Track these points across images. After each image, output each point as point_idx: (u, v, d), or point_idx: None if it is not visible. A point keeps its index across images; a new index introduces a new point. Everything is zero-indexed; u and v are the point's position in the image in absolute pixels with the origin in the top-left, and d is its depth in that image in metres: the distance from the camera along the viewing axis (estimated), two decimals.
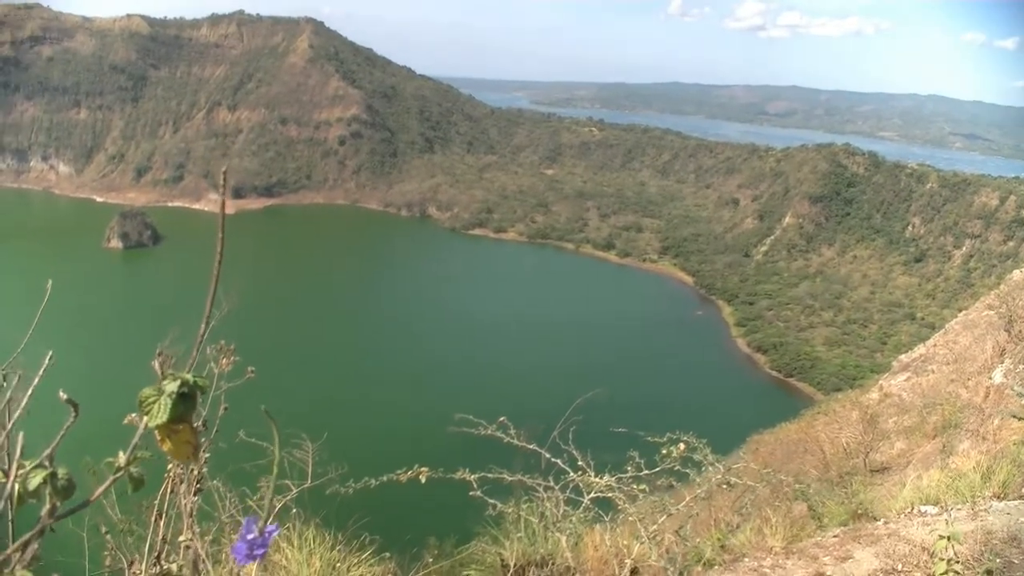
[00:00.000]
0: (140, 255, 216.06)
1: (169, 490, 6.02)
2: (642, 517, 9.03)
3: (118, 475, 3.47)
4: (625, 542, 9.00)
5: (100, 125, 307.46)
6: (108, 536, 6.55)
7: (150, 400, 3.22)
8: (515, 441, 9.94)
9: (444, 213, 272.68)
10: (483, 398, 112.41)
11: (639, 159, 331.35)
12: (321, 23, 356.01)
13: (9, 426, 3.62)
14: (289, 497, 8.30)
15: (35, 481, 3.12)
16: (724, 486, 10.08)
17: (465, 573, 9.07)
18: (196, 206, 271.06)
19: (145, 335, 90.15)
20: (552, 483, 9.49)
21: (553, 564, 8.69)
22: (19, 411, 3.73)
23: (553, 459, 9.81)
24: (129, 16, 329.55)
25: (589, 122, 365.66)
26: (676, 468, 9.97)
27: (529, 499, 9.44)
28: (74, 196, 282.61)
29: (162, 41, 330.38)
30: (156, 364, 4.92)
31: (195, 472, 6.41)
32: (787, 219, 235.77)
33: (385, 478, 9.50)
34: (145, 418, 3.23)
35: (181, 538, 5.46)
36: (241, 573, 5.61)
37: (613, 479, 9.55)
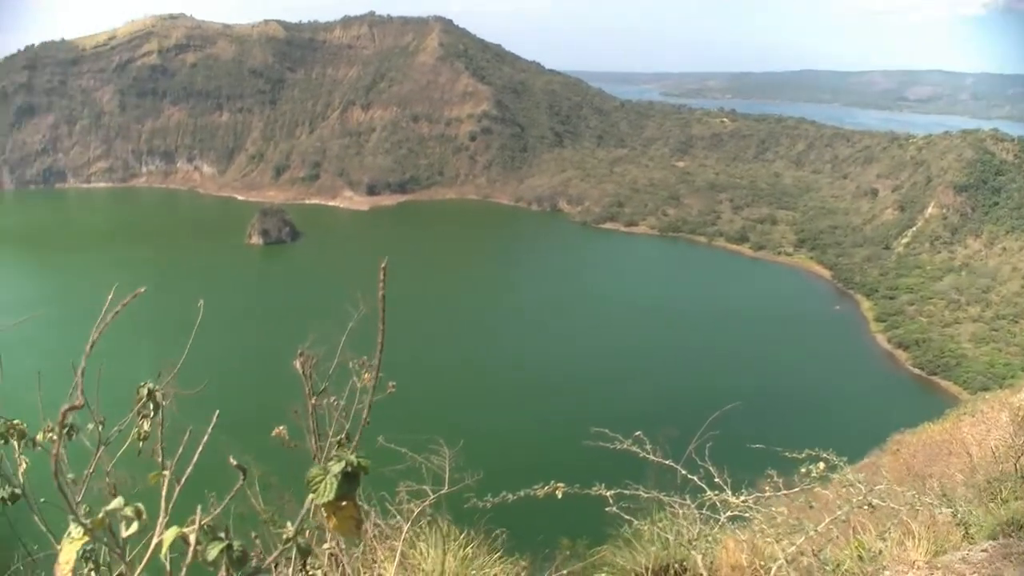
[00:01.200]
0: (279, 251, 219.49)
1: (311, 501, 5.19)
2: (779, 539, 8.56)
3: (286, 546, 4.02)
4: (761, 554, 8.68)
5: (241, 127, 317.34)
6: (257, 540, 6.58)
7: (317, 479, 3.68)
8: (651, 456, 9.87)
9: (575, 207, 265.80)
10: (618, 396, 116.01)
11: (773, 149, 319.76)
12: (450, 21, 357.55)
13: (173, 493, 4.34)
14: (427, 503, 8.71)
15: (213, 553, 3.63)
16: (866, 507, 9.26)
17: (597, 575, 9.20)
18: (332, 203, 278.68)
19: (287, 330, 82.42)
20: (688, 500, 9.35)
21: (686, 572, 8.76)
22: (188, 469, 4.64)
23: (689, 475, 9.61)
24: (266, 22, 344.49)
25: (721, 113, 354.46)
26: (815, 488, 9.61)
27: (664, 516, 9.37)
28: (217, 195, 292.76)
29: (297, 44, 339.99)
30: (297, 364, 7.46)
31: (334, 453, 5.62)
32: (930, 210, 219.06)
33: (522, 493, 9.35)
34: (311, 496, 3.68)
35: (325, 546, 5.50)
36: (381, 572, 7.15)
37: (751, 498, 9.37)
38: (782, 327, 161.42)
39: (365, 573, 7.78)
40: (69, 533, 3.98)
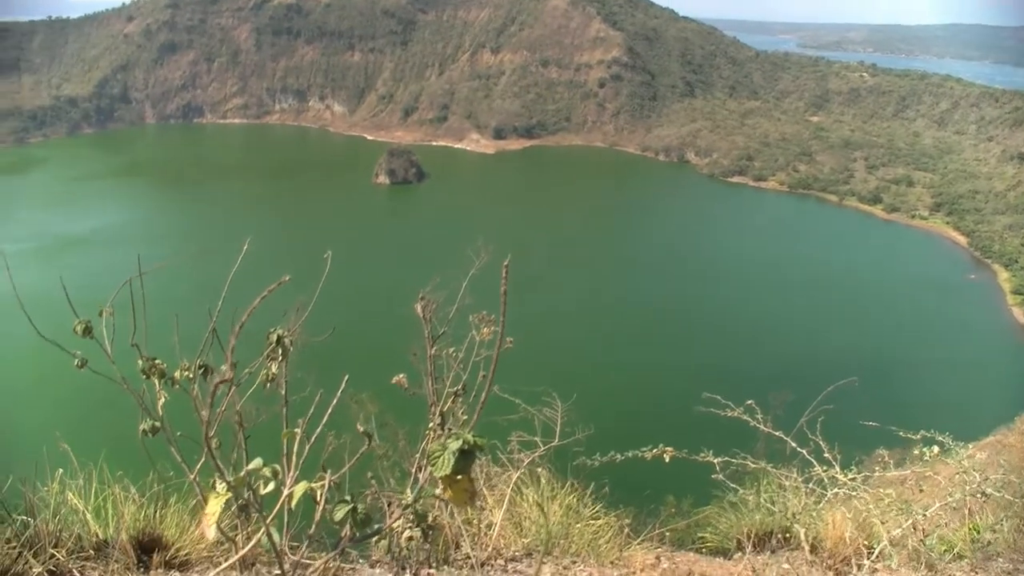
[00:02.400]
0: (405, 191, 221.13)
1: (428, 444, 5.80)
2: (885, 519, 8.45)
3: (406, 510, 4.45)
4: (866, 533, 8.57)
5: (372, 67, 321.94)
6: (373, 481, 6.99)
7: (436, 454, 4.01)
8: (761, 426, 9.69)
9: (703, 159, 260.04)
10: (734, 354, 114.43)
11: (914, 107, 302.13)
12: None
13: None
14: (537, 454, 8.87)
15: (339, 514, 4.19)
16: (979, 496, 8.86)
17: (700, 535, 9.64)
18: (458, 145, 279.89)
19: (409, 272, 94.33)
20: (795, 473, 9.28)
21: (790, 538, 8.89)
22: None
23: (798, 448, 9.44)
24: None
25: (860, 66, 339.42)
26: (927, 471, 9.79)
27: (770, 487, 9.43)
28: (347, 134, 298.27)
29: None
30: (418, 308, 7.81)
31: (452, 431, 5.83)
32: None
33: (630, 454, 9.50)
34: (430, 468, 4.03)
35: (438, 491, 5.18)
36: (489, 516, 7.58)
37: (860, 476, 9.19)
38: (911, 294, 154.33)
39: (474, 516, 7.98)
40: (215, 489, 4.52)
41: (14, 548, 6.41)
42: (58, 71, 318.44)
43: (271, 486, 4.39)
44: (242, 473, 4.33)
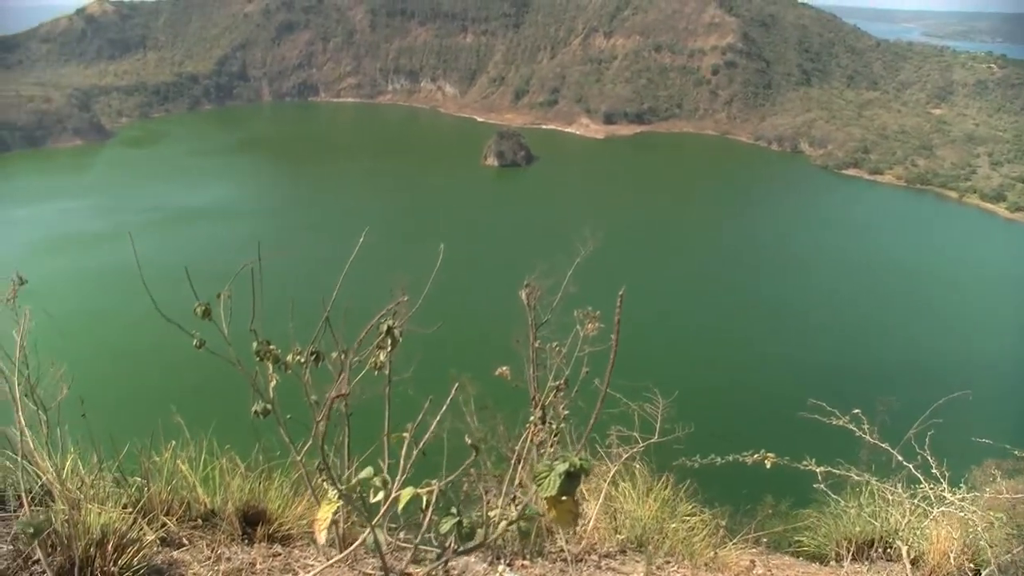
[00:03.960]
0: (513, 174, 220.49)
1: (528, 439, 6.29)
2: (993, 543, 8.15)
3: (510, 524, 4.46)
4: (972, 555, 8.34)
5: (484, 49, 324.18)
6: (472, 470, 7.29)
7: (542, 475, 4.09)
8: (866, 437, 9.52)
9: (817, 150, 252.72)
10: (841, 355, 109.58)
11: None
12: None
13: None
14: (636, 450, 9.02)
15: (445, 527, 4.28)
16: None
17: (797, 539, 9.50)
18: (568, 129, 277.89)
19: (514, 257, 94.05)
20: (900, 488, 9.10)
21: (890, 551, 8.79)
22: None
23: (904, 462, 9.25)
24: None
25: (988, 57, 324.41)
26: None
27: (873, 500, 9.21)
28: (457, 115, 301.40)
29: None
30: (523, 295, 8.33)
31: (552, 426, 6.80)
32: None
33: (731, 458, 9.08)
34: (536, 488, 4.12)
35: (542, 509, 5.32)
36: (586, 508, 7.58)
37: (969, 495, 8.77)
38: None
39: None
40: (327, 495, 4.75)
41: (130, 514, 6.59)
42: (181, 49, 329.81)
43: (380, 495, 4.45)
44: (353, 482, 4.46)
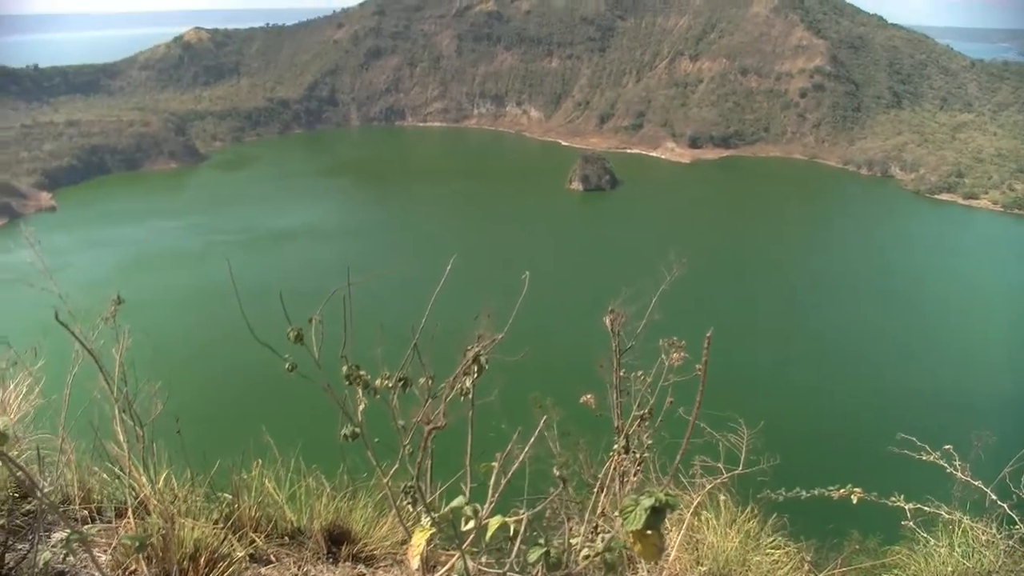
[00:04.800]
0: (598, 198, 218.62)
1: (612, 467, 6.35)
2: None
3: (594, 556, 4.46)
4: None
5: (569, 73, 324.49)
6: (556, 489, 6.68)
7: (628, 508, 4.14)
8: (958, 474, 9.10)
9: (908, 174, 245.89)
10: (932, 388, 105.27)
11: None
12: None
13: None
14: (719, 480, 8.66)
15: (533, 556, 4.35)
16: None
17: None
18: (653, 153, 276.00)
19: (598, 282, 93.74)
20: (995, 529, 8.69)
21: None
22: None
23: (999, 501, 8.87)
24: None
25: None
26: None
27: (966, 540, 8.80)
28: (542, 139, 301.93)
29: None
30: (607, 321, 8.46)
31: (638, 455, 7.02)
32: None
33: (816, 492, 9.02)
34: (623, 521, 4.16)
35: (617, 512, 5.42)
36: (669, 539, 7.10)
37: None
38: None
39: None
40: (420, 521, 4.85)
41: (221, 530, 6.78)
42: (273, 75, 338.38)
43: (471, 524, 4.54)
44: (445, 510, 4.54)
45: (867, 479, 9.30)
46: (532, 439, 5.42)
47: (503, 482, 5.25)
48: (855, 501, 8.70)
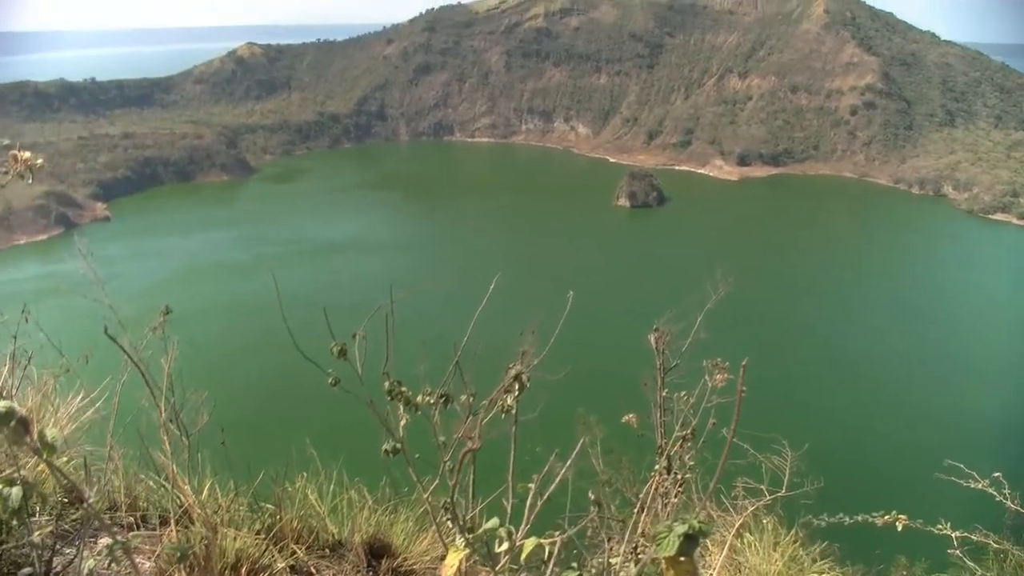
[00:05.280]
0: (645, 215, 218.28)
1: (654, 487, 6.32)
2: None
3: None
4: None
5: (617, 90, 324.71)
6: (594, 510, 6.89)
7: (662, 535, 4.10)
8: (1008, 503, 8.99)
9: (961, 193, 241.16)
10: (983, 409, 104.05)
11: None
12: None
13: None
14: (762, 503, 8.57)
15: None
16: None
17: None
18: (701, 170, 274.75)
19: (644, 299, 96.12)
20: None
21: None
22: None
23: None
24: None
25: None
26: None
27: (1018, 572, 8.70)
28: (590, 155, 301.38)
29: (679, 10, 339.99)
30: (652, 339, 8.50)
31: (679, 476, 6.96)
32: None
33: (860, 518, 8.90)
34: (655, 546, 4.13)
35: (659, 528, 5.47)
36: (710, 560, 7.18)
37: None
38: None
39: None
40: (455, 542, 4.90)
41: (263, 540, 6.87)
42: (323, 89, 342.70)
43: (505, 545, 4.59)
44: (480, 531, 4.59)
45: (914, 505, 9.26)
46: (570, 460, 5.46)
47: (539, 503, 5.26)
48: (900, 528, 8.53)
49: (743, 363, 5.70)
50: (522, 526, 4.94)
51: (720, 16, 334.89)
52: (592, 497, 5.47)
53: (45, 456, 3.24)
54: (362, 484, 8.24)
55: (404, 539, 7.84)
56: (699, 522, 3.92)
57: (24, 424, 3.03)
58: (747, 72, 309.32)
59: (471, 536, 4.73)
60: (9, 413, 2.98)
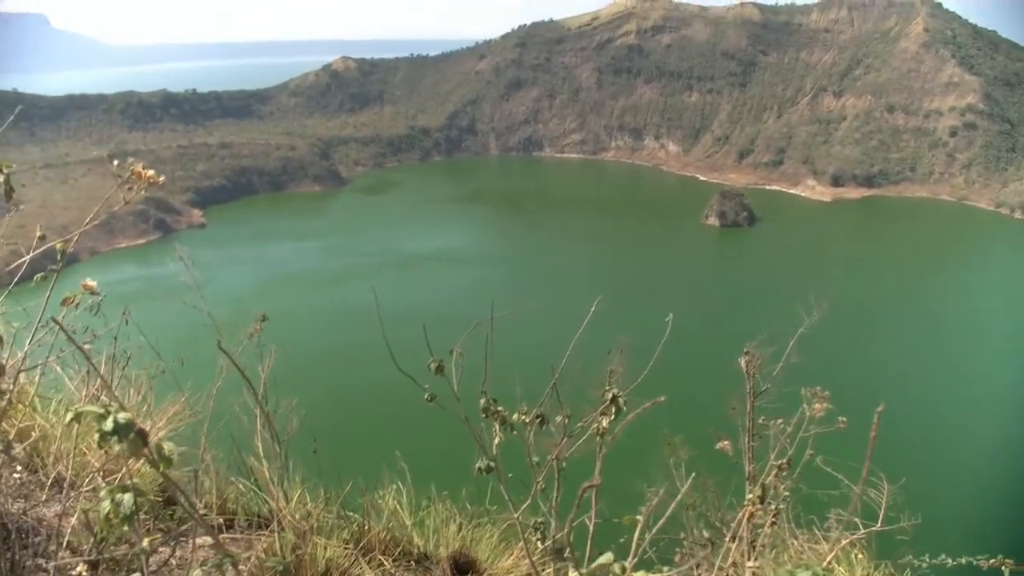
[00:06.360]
0: (735, 235, 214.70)
1: (745, 518, 6.24)
2: None
3: None
4: None
5: (708, 108, 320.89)
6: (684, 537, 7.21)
7: None
8: None
9: None
10: None
11: None
12: (938, 4, 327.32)
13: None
14: (855, 536, 8.15)
15: None
16: None
17: None
18: (793, 191, 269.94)
19: (734, 319, 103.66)
20: None
21: None
22: None
23: None
24: (743, 4, 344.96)
25: None
26: None
27: None
28: (679, 173, 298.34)
29: (772, 27, 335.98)
30: (742, 363, 8.33)
31: (773, 507, 6.76)
32: None
33: (963, 560, 8.21)
34: None
35: (749, 564, 5.73)
36: None
37: None
38: None
39: None
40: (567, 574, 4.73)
41: (351, 550, 6.90)
42: (415, 103, 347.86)
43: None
44: (594, 566, 4.35)
45: (1016, 546, 8.65)
46: (681, 494, 5.48)
47: (647, 537, 5.15)
48: (1007, 573, 8.02)
49: (878, 409, 5.84)
50: (630, 558, 4.82)
51: (815, 34, 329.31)
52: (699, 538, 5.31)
53: (162, 468, 3.30)
54: (449, 499, 8.20)
55: (489, 555, 7.76)
56: (823, 570, 3.75)
57: (143, 436, 3.09)
58: (842, 91, 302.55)
59: (585, 571, 4.52)
60: (128, 425, 3.01)
